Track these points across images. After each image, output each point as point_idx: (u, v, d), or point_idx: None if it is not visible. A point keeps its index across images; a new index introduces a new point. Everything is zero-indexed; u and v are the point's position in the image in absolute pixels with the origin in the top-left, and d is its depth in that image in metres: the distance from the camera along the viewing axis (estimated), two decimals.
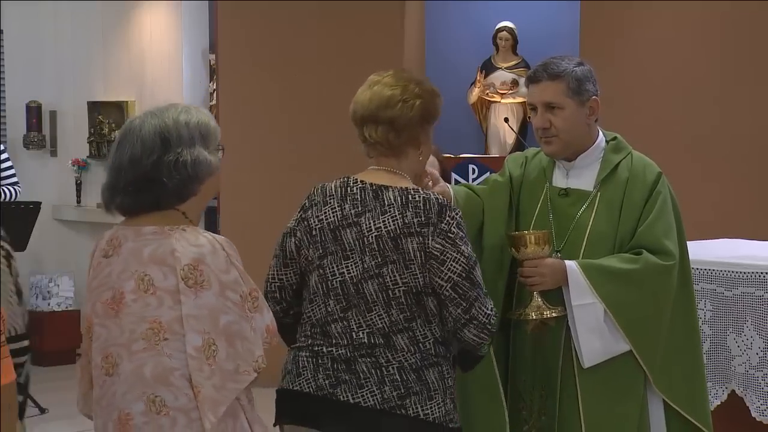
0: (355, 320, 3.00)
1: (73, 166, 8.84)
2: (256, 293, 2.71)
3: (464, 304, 2.97)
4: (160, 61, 8.54)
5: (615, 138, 3.50)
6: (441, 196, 3.04)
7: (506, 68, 8.58)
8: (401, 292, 2.96)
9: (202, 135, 2.75)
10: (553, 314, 3.28)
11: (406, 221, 2.95)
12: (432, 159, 3.62)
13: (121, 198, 2.73)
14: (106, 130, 8.74)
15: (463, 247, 2.97)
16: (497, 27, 8.55)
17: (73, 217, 8.93)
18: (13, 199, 7.58)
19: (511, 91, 8.48)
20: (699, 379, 3.47)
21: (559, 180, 3.47)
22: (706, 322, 4.16)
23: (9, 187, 7.61)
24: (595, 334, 3.28)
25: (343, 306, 3.01)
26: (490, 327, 3.02)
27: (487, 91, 8.52)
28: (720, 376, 4.14)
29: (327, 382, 2.99)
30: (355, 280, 2.99)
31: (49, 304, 8.58)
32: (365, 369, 2.97)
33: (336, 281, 3.01)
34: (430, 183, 3.30)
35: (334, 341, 3.01)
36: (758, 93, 6.73)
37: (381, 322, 2.97)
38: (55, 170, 9.04)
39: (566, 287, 3.28)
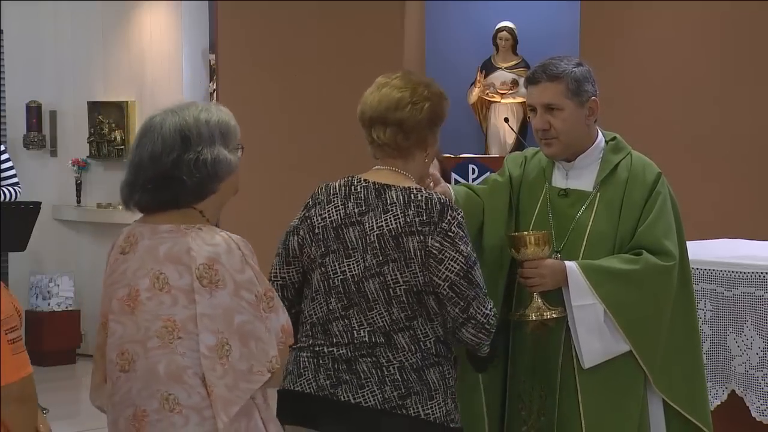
0: (356, 318, 3.00)
1: (73, 166, 8.84)
2: (272, 293, 2.71)
3: (462, 304, 2.98)
4: (160, 61, 8.54)
5: (614, 138, 3.50)
6: (443, 196, 3.05)
7: (506, 68, 8.57)
8: (402, 291, 2.97)
9: (222, 134, 2.75)
10: (553, 315, 3.28)
11: (408, 220, 2.96)
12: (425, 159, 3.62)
13: (140, 195, 2.73)
14: (106, 130, 8.74)
15: (462, 247, 2.97)
16: (497, 27, 8.55)
17: (73, 217, 8.93)
18: (13, 200, 7.58)
19: (511, 91, 8.48)
20: (699, 379, 3.47)
21: (559, 180, 3.47)
22: (706, 322, 4.16)
23: (9, 187, 7.61)
24: (595, 335, 3.28)
25: (344, 304, 3.02)
26: (488, 327, 3.02)
27: (487, 91, 8.52)
28: (720, 376, 4.14)
29: (328, 382, 2.99)
30: (356, 279, 2.99)
31: (49, 304, 8.58)
32: (366, 369, 2.97)
33: (337, 279, 3.02)
34: (431, 183, 3.31)
35: (335, 340, 3.01)
36: (758, 93, 6.73)
37: (382, 321, 2.97)
38: (55, 170, 9.04)
39: (566, 288, 3.28)
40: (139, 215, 2.81)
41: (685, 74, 6.97)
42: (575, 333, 3.28)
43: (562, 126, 3.34)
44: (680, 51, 7.00)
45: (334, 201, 3.05)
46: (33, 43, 8.86)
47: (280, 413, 3.04)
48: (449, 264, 2.96)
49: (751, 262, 4.12)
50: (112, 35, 8.73)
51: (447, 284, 2.97)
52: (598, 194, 3.40)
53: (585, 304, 3.27)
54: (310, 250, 3.07)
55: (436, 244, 2.95)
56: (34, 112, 8.94)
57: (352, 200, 3.03)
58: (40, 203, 7.65)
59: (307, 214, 3.09)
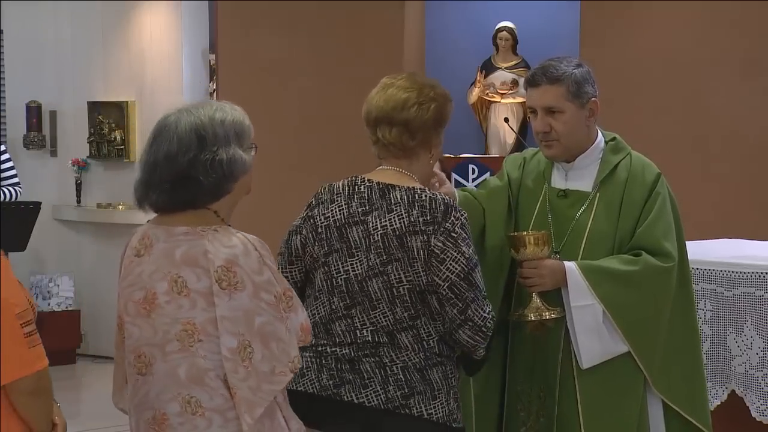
0: (359, 318, 3.00)
1: (73, 166, 8.84)
2: (290, 292, 2.70)
3: (460, 305, 2.98)
4: (160, 61, 8.54)
5: (614, 138, 3.50)
6: (447, 197, 3.05)
7: (506, 68, 8.57)
8: (405, 290, 2.97)
9: (236, 133, 2.74)
10: (553, 315, 3.28)
11: (412, 219, 2.96)
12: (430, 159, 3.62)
13: (157, 195, 2.72)
14: (106, 130, 8.74)
15: (464, 248, 2.98)
16: (497, 27, 8.55)
17: (73, 217, 8.92)
18: (14, 200, 7.58)
19: (511, 91, 8.48)
20: (698, 380, 3.46)
21: (558, 181, 3.47)
22: (706, 322, 4.16)
23: (10, 187, 7.61)
24: (593, 335, 3.28)
25: (347, 304, 3.02)
26: (485, 330, 3.02)
27: (487, 91, 8.52)
28: (720, 376, 4.14)
29: (331, 382, 2.99)
30: (359, 278, 2.99)
31: (49, 304, 8.58)
32: (369, 369, 2.97)
33: (341, 279, 3.02)
34: (437, 184, 3.31)
35: (338, 340, 3.02)
36: (759, 92, 6.73)
37: (385, 320, 2.98)
38: (55, 170, 9.04)
39: (565, 288, 3.28)
40: (151, 215, 2.80)
41: (685, 74, 6.97)
42: (574, 333, 3.29)
43: (563, 128, 3.34)
44: (680, 50, 7.00)
45: (337, 200, 3.06)
46: (33, 43, 8.86)
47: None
48: (450, 264, 2.96)
49: (751, 262, 4.12)
50: (112, 35, 8.73)
51: (447, 285, 2.97)
52: (598, 194, 3.40)
53: (584, 305, 3.27)
54: (313, 249, 3.07)
55: (439, 244, 2.95)
56: (34, 112, 8.94)
57: (355, 200, 3.04)
58: (40, 203, 7.65)
59: (309, 214, 3.09)
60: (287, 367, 2.64)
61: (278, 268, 3.11)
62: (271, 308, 2.63)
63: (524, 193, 3.51)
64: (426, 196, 2.99)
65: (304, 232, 3.09)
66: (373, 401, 2.95)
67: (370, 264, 2.99)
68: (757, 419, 4.06)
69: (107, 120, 8.75)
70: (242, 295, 2.61)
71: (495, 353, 3.35)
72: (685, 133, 6.90)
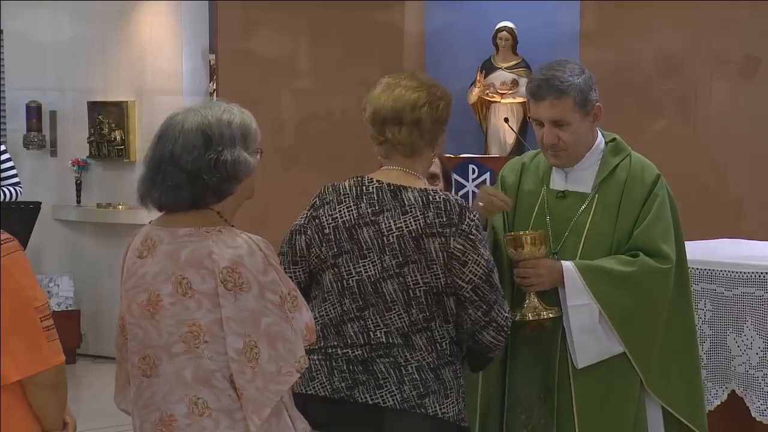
0: (372, 320, 2.99)
1: (73, 166, 8.84)
2: (295, 292, 2.70)
3: (484, 307, 3.00)
4: (160, 61, 8.54)
5: (614, 139, 3.50)
6: (460, 198, 3.06)
7: (506, 68, 8.56)
8: (422, 292, 2.97)
9: (243, 136, 2.74)
10: (550, 315, 3.29)
11: (428, 221, 2.96)
12: (436, 161, 3.63)
13: (159, 194, 2.71)
14: (106, 130, 8.74)
15: (482, 250, 3.01)
16: (497, 27, 8.54)
17: (73, 217, 8.93)
18: (14, 200, 7.58)
19: (511, 91, 8.47)
20: (695, 382, 3.46)
21: (557, 182, 3.47)
22: (706, 322, 4.15)
23: (10, 187, 7.61)
24: (589, 335, 3.28)
25: (359, 305, 3.00)
26: (507, 330, 3.06)
27: (487, 91, 8.51)
28: (720, 376, 4.13)
29: (343, 384, 2.98)
30: (372, 279, 2.98)
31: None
32: (383, 369, 2.96)
33: (352, 280, 3.01)
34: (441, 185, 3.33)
35: (349, 342, 3.00)
36: (760, 92, 6.73)
37: (401, 322, 2.97)
38: (55, 170, 9.04)
39: (562, 287, 3.29)
40: (153, 216, 2.81)
41: (684, 73, 6.97)
42: (569, 333, 3.29)
43: (571, 138, 3.34)
44: (679, 51, 7.00)
45: (345, 201, 3.04)
46: (33, 43, 8.86)
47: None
48: (473, 267, 2.98)
49: (751, 262, 4.12)
50: (112, 35, 8.72)
51: (470, 287, 2.99)
52: (597, 195, 3.40)
53: (580, 304, 3.27)
54: (320, 250, 3.06)
55: (459, 246, 2.96)
56: (34, 112, 8.94)
57: (364, 200, 3.03)
58: (40, 203, 7.65)
59: (314, 214, 3.08)
60: (294, 367, 2.64)
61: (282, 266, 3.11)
62: (276, 308, 2.63)
63: (522, 195, 3.51)
64: (440, 197, 2.99)
65: (309, 232, 3.07)
66: (389, 401, 2.95)
67: (385, 265, 2.97)
68: (757, 419, 4.06)
69: (107, 120, 8.75)
70: (248, 296, 2.61)
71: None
72: (684, 133, 6.89)
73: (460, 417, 3.02)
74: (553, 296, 3.32)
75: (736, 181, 6.80)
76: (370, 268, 2.98)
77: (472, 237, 2.97)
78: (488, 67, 8.58)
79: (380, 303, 2.98)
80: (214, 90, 8.51)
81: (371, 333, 2.98)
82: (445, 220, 2.96)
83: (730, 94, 6.83)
